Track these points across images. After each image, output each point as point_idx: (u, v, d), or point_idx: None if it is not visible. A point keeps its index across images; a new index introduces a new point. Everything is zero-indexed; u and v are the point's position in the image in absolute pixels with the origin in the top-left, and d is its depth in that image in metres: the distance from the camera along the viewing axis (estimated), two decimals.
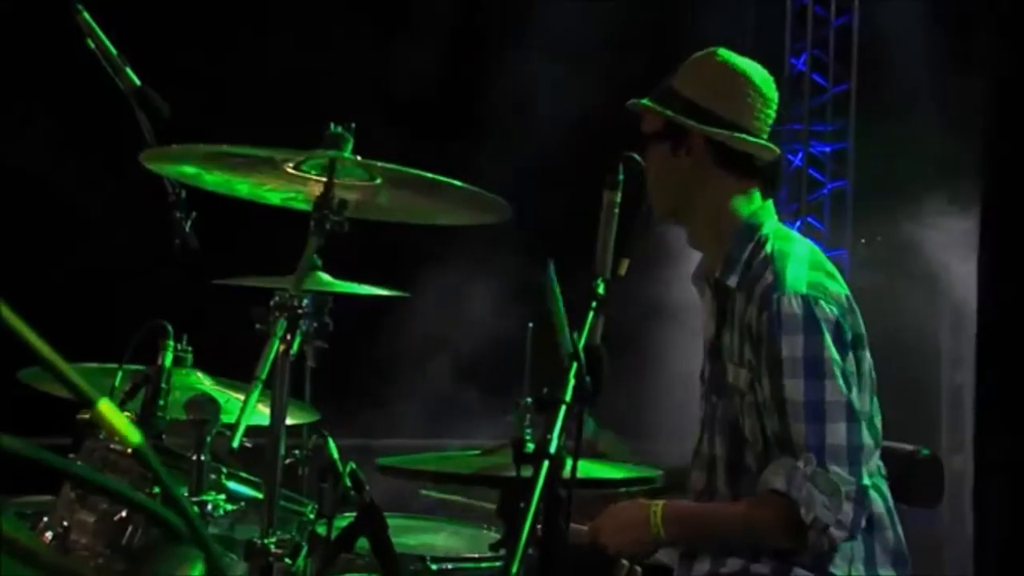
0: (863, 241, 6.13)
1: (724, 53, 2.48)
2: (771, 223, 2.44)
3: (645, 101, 2.47)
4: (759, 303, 2.31)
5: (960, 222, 5.07)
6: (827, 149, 6.44)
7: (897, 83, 5.73)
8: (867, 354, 2.37)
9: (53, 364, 0.92)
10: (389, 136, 2.29)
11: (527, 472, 1.89)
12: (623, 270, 2.07)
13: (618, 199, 2.10)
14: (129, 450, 0.99)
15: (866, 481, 2.25)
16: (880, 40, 5.95)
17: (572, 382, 1.93)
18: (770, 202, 2.48)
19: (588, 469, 2.43)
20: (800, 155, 6.46)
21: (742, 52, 2.52)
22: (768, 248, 2.38)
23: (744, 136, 2.42)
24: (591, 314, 2.00)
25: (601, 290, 2.02)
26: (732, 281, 2.39)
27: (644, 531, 2.28)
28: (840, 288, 2.36)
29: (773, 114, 2.47)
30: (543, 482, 1.85)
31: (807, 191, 6.42)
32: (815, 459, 2.21)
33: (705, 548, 2.38)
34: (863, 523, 2.25)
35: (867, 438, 2.29)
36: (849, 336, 2.32)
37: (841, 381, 2.25)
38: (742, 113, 2.43)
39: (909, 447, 2.61)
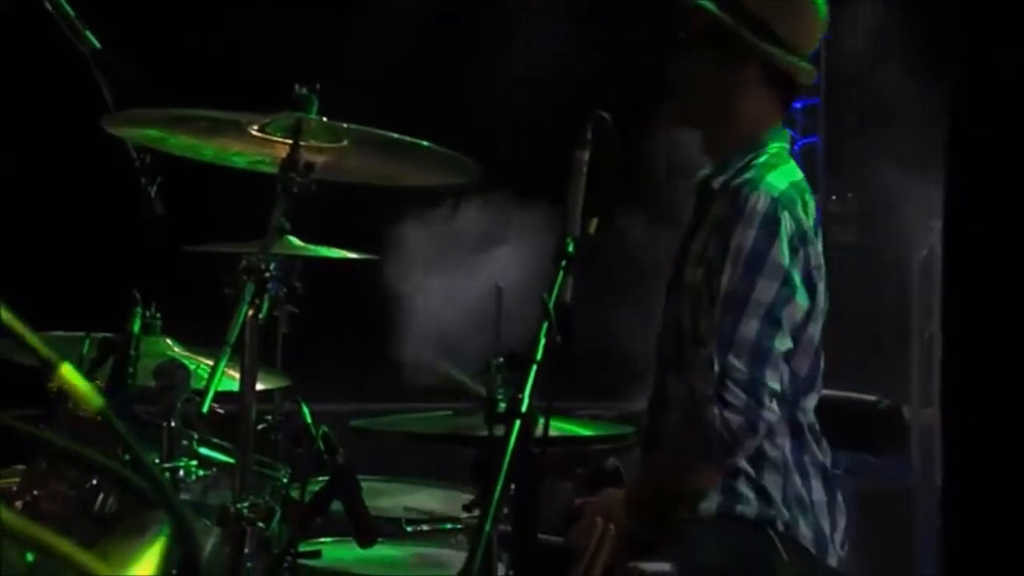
0: (834, 197, 6.14)
1: None
2: (777, 145, 2.41)
3: (708, 4, 2.35)
4: (730, 196, 2.31)
5: (930, 176, 5.08)
6: (798, 105, 6.44)
7: (868, 37, 5.72)
8: (822, 287, 2.36)
9: (13, 328, 0.90)
10: (360, 99, 2.27)
11: (499, 431, 1.90)
12: (593, 228, 2.07)
13: (587, 157, 2.09)
14: (94, 414, 0.98)
15: (771, 383, 2.22)
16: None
17: (543, 340, 1.93)
18: (787, 131, 2.46)
19: (561, 427, 2.44)
20: None
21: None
22: (761, 159, 2.37)
23: (796, 60, 2.36)
24: (561, 272, 2.00)
25: (571, 248, 2.02)
26: (717, 183, 2.37)
27: (618, 519, 2.26)
28: (808, 218, 2.35)
29: (820, 38, 2.41)
30: (515, 441, 1.86)
31: None
32: (717, 350, 2.22)
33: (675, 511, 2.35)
34: (769, 419, 2.23)
35: (799, 357, 2.29)
36: (808, 257, 2.29)
37: (776, 286, 2.25)
38: (799, 34, 2.36)
39: (871, 398, 2.62)
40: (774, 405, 2.24)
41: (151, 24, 4.15)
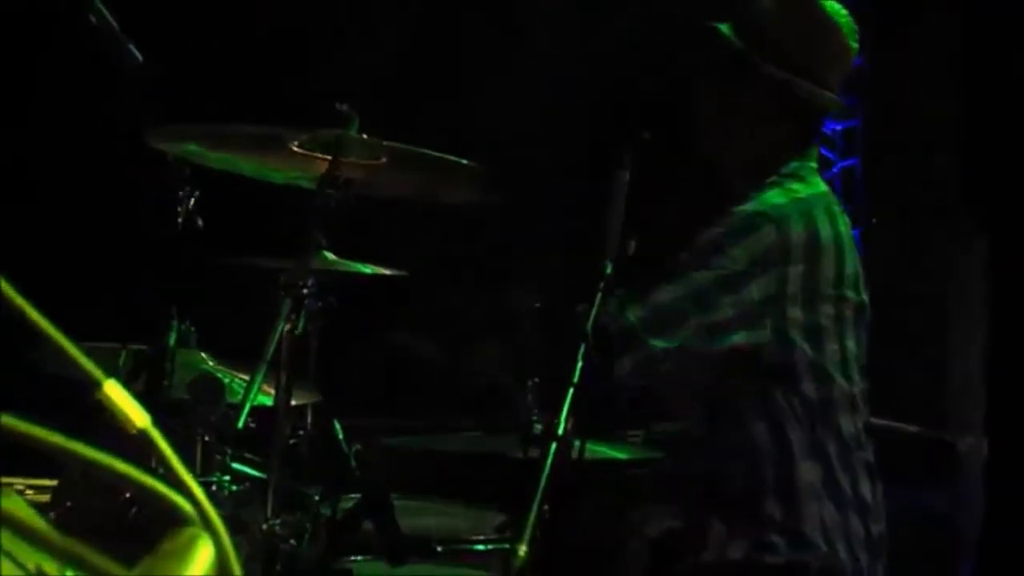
0: (874, 221, 6.09)
1: None
2: (794, 165, 2.30)
3: (725, 28, 2.29)
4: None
5: (972, 199, 5.02)
6: (838, 127, 6.39)
7: (910, 59, 5.68)
8: (849, 296, 2.27)
9: (59, 343, 0.89)
10: (374, 106, 2.25)
11: (534, 454, 1.88)
12: (631, 250, 2.04)
13: (627, 177, 2.07)
14: (137, 431, 0.96)
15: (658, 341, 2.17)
16: (894, 15, 5.89)
17: (580, 363, 1.91)
18: (814, 164, 2.35)
19: (597, 451, 2.41)
20: None
21: None
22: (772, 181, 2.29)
23: (823, 92, 2.28)
24: (599, 295, 1.97)
25: (609, 271, 2.00)
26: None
27: None
28: (824, 228, 2.23)
29: (850, 67, 2.34)
30: (551, 464, 1.84)
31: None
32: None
33: None
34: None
35: (829, 371, 2.24)
36: (783, 277, 2.19)
37: (712, 277, 2.17)
38: (825, 65, 2.29)
39: (913, 428, 2.58)
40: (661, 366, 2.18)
41: (185, 39, 4.14)
